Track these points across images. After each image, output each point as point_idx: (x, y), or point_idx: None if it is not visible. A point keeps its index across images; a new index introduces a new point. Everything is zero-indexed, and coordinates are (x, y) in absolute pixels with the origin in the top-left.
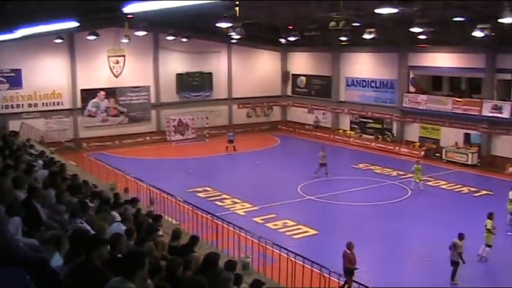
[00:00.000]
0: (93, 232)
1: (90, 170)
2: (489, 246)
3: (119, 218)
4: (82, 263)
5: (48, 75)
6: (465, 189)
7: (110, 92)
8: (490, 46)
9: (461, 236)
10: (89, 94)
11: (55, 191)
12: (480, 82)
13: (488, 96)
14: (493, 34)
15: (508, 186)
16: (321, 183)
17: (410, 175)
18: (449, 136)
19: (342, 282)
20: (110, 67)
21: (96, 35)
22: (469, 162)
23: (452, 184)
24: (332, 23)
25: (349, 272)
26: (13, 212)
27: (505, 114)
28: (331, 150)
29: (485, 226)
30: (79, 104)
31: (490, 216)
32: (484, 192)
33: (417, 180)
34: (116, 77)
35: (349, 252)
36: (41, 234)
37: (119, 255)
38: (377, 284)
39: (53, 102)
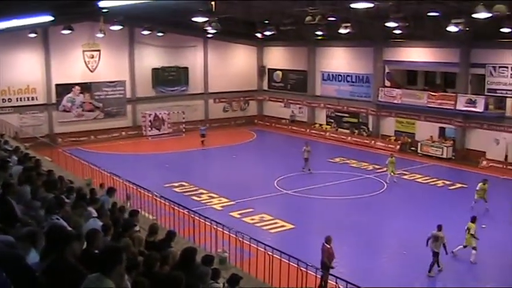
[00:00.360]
0: (70, 228)
1: (66, 165)
2: (474, 248)
3: (95, 214)
4: (56, 259)
5: (23, 70)
6: (440, 183)
7: (85, 87)
8: (464, 41)
9: (439, 227)
10: (64, 89)
11: (30, 187)
12: (454, 76)
13: (462, 91)
14: (467, 29)
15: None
16: (297, 177)
17: (386, 169)
18: (425, 130)
19: (319, 276)
20: (85, 62)
21: (71, 29)
22: (444, 156)
23: (428, 177)
24: (308, 18)
25: (326, 266)
26: None
27: (479, 108)
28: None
29: (468, 230)
30: (54, 99)
31: (473, 220)
32: (459, 185)
33: (391, 174)
34: (91, 71)
35: (328, 246)
36: (17, 231)
37: (96, 251)
38: (353, 278)
39: (28, 97)
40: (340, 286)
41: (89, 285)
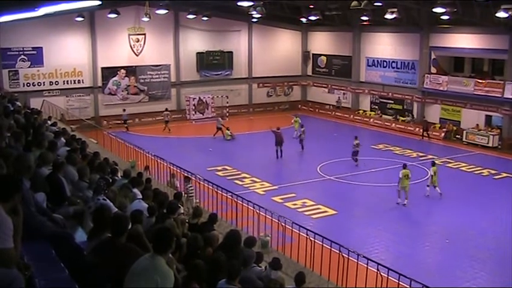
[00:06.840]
0: (115, 209)
1: (111, 147)
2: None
3: (140, 196)
4: (108, 240)
5: (69, 53)
6: (485, 172)
7: (130, 70)
8: None
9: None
10: (109, 72)
11: (77, 168)
12: (503, 63)
13: (510, 78)
14: None
15: None
16: (340, 163)
17: (430, 156)
18: (470, 118)
19: (361, 263)
20: (131, 45)
21: (117, 13)
22: (490, 145)
23: (473, 166)
24: (354, 3)
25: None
26: (38, 187)
27: None
28: (350, 131)
29: (435, 173)
30: (99, 82)
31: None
32: (505, 174)
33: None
34: (137, 55)
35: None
36: (64, 210)
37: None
38: (393, 264)
39: (74, 80)
40: (381, 273)
41: (142, 262)
